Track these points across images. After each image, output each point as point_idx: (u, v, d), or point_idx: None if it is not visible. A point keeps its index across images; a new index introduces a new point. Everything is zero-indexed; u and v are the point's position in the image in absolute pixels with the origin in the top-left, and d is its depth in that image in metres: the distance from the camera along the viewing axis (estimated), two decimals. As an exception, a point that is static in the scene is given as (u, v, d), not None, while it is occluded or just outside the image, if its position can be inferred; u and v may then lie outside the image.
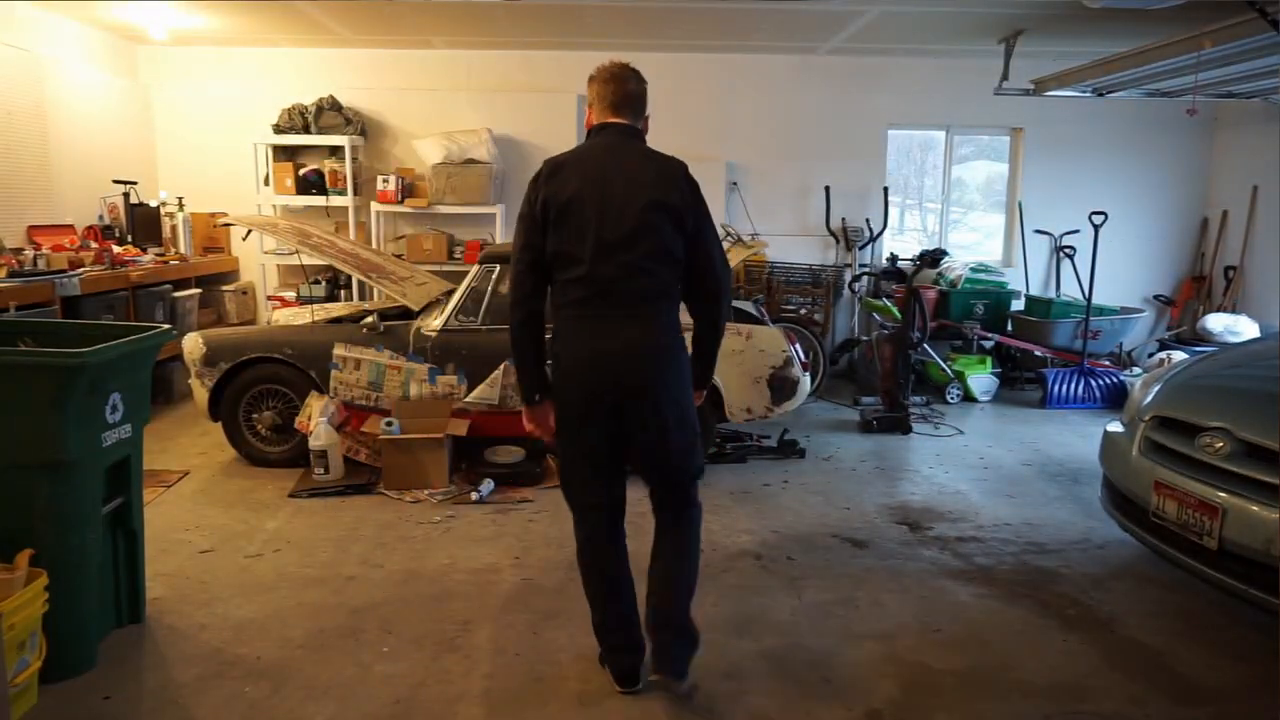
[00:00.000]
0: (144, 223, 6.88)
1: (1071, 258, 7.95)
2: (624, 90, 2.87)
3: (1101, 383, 6.88)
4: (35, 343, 3.18)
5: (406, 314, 5.24)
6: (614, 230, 2.64)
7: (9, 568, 2.66)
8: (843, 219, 7.85)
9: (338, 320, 5.28)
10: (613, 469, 2.77)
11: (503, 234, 7.54)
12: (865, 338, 7.60)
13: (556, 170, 2.73)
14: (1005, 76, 6.88)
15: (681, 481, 2.79)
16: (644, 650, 2.81)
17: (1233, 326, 7.13)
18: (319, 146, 7.43)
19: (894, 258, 7.61)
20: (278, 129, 7.36)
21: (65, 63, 6.48)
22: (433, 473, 4.69)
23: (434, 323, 5.00)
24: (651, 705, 2.76)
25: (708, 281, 2.76)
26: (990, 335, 7.25)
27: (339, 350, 4.92)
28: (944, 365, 7.06)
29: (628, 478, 2.82)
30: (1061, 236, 8.05)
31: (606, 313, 2.66)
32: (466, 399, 4.89)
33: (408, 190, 7.44)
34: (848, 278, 7.82)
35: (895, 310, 6.65)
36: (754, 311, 6.09)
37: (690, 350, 2.83)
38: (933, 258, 7.42)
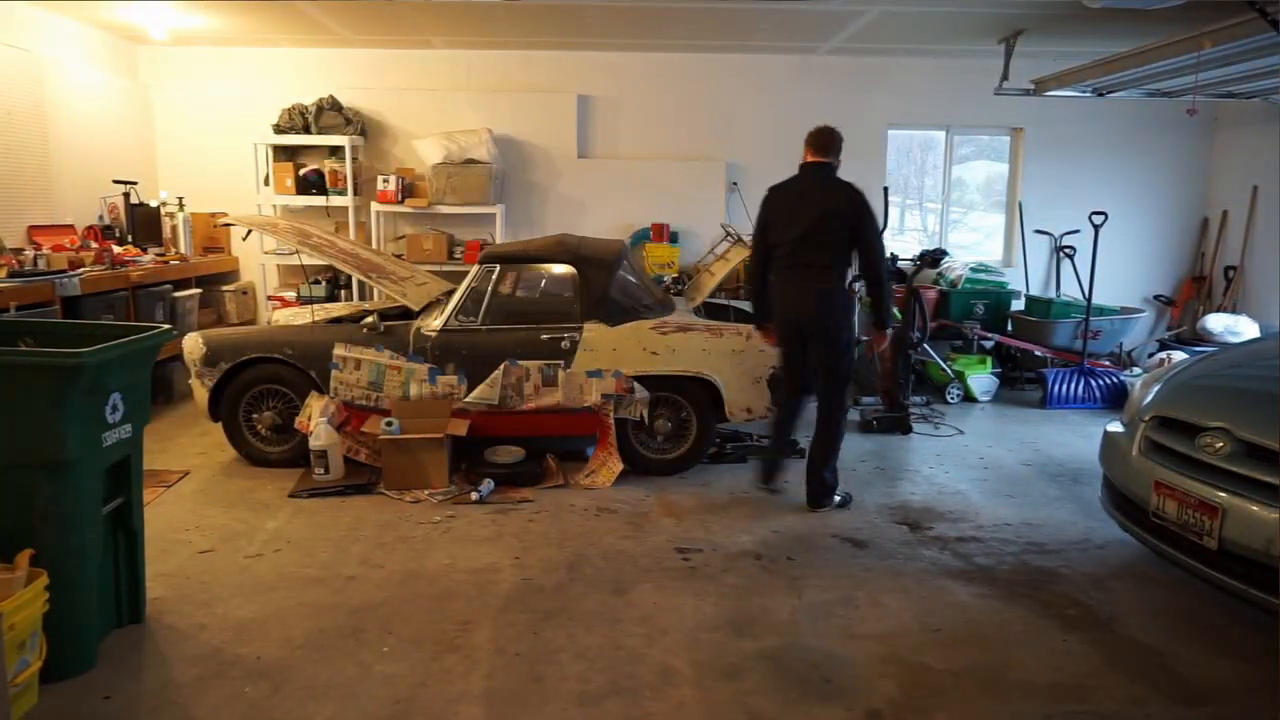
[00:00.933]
0: (144, 223, 6.88)
1: (1071, 258, 7.95)
2: (818, 140, 4.61)
3: (1101, 383, 6.88)
4: (35, 343, 3.18)
5: (406, 314, 5.24)
6: (799, 228, 4.38)
7: (9, 568, 2.66)
8: (843, 219, 7.84)
9: (338, 320, 5.28)
10: (799, 364, 4.57)
11: (503, 234, 7.55)
12: (865, 338, 7.60)
13: (774, 192, 4.62)
14: (1005, 76, 6.88)
15: (829, 380, 4.49)
16: (778, 470, 4.80)
17: (1233, 326, 7.13)
18: (319, 146, 7.43)
19: (894, 258, 7.59)
20: (278, 129, 7.36)
21: (65, 63, 6.48)
22: (433, 473, 4.69)
23: (434, 323, 5.00)
24: (652, 705, 2.77)
25: (866, 259, 4.45)
26: (990, 335, 7.25)
27: (339, 350, 4.92)
28: (944, 365, 7.06)
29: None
30: (1061, 236, 8.05)
31: (795, 277, 4.44)
32: (466, 399, 4.89)
33: (408, 190, 7.44)
34: (848, 276, 7.81)
35: (895, 310, 6.64)
36: (754, 311, 6.09)
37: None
38: (933, 258, 7.42)
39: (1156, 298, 8.24)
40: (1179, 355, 6.60)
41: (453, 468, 4.85)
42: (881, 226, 7.78)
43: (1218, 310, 7.67)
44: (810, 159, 4.58)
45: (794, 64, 7.75)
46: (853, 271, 7.90)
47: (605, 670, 2.96)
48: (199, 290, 6.95)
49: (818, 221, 4.34)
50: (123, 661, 2.99)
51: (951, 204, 8.42)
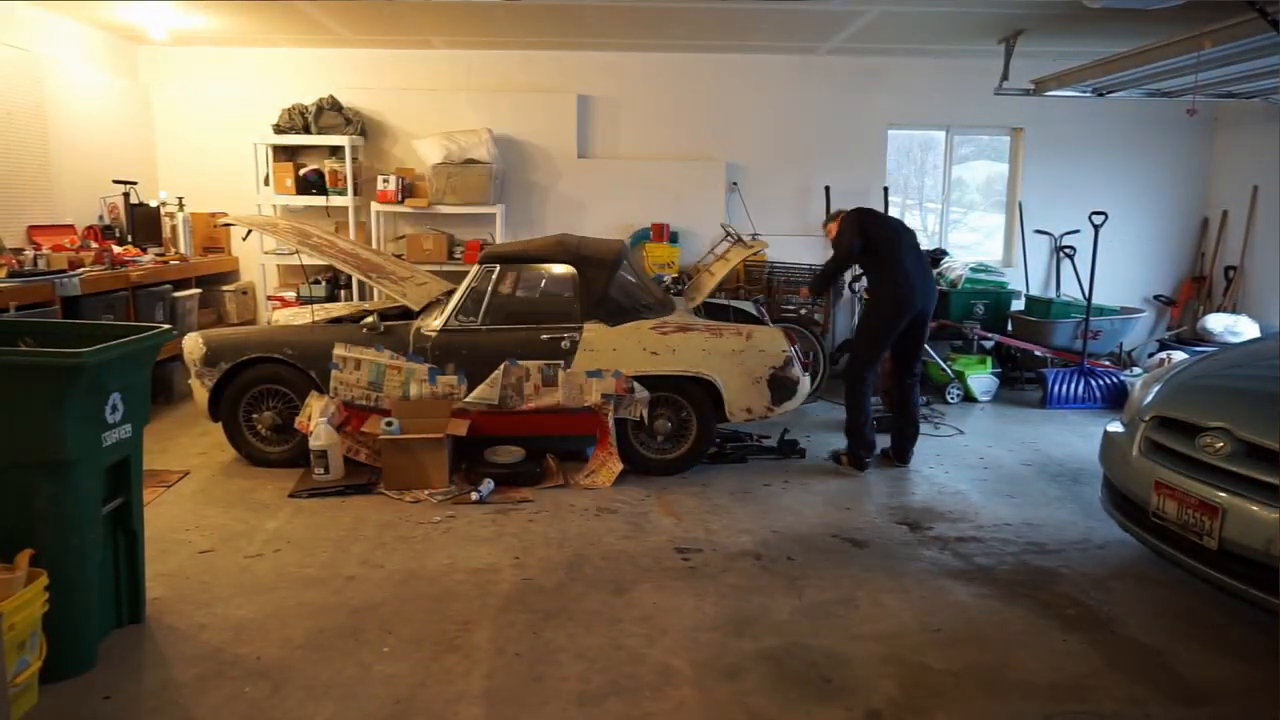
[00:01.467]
0: (144, 223, 6.88)
1: (1071, 258, 7.96)
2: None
3: (1101, 383, 6.88)
4: (35, 343, 3.18)
5: (406, 314, 5.24)
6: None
7: (9, 568, 2.66)
8: (843, 219, 7.84)
9: (338, 320, 5.28)
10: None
11: (503, 234, 7.55)
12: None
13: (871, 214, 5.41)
14: (1005, 76, 6.88)
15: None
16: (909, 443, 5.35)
17: (1233, 326, 7.13)
18: (319, 146, 7.43)
19: (894, 258, 7.60)
20: (278, 129, 7.36)
21: (65, 63, 6.48)
22: (433, 473, 4.69)
23: (434, 323, 5.00)
24: (652, 705, 2.77)
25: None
26: (990, 335, 7.25)
27: (339, 350, 4.92)
28: (944, 365, 7.06)
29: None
30: (1061, 236, 8.05)
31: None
32: (466, 399, 4.89)
33: (408, 190, 7.44)
34: (848, 278, 7.82)
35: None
36: (754, 311, 6.10)
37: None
38: (933, 258, 7.42)
39: (1156, 298, 8.24)
40: (1179, 355, 6.60)
41: (453, 468, 4.85)
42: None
43: (1218, 310, 7.67)
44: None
45: (794, 64, 7.75)
46: (852, 272, 7.95)
47: (605, 670, 2.96)
48: (199, 290, 6.95)
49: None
50: (123, 661, 2.99)
51: (951, 204, 8.42)
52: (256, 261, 7.57)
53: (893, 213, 7.98)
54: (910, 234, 5.29)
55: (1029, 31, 6.53)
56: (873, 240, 5.13)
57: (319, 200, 7.38)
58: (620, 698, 2.80)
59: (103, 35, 7.02)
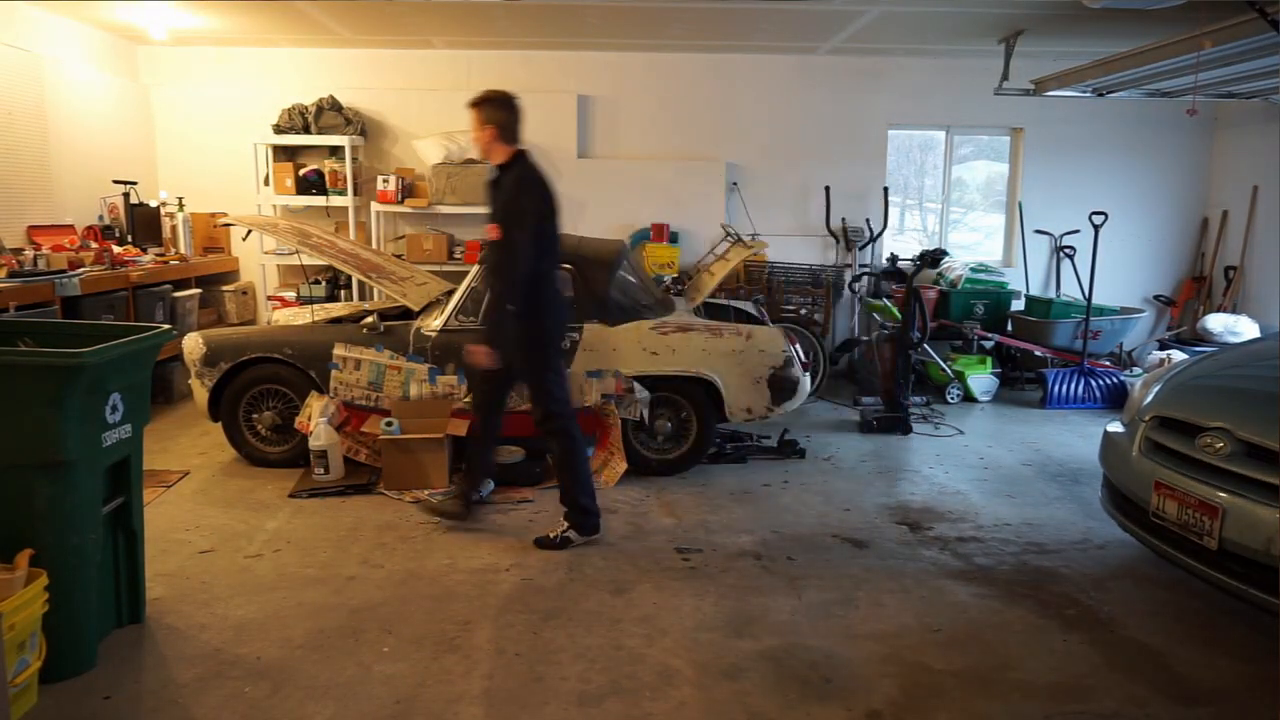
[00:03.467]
0: (144, 223, 6.88)
1: (1071, 258, 7.96)
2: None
3: (1101, 383, 6.88)
4: (35, 343, 3.18)
5: (406, 314, 5.24)
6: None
7: (9, 568, 2.66)
8: (843, 219, 7.85)
9: (338, 320, 5.28)
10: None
11: (503, 234, 7.53)
12: (865, 338, 7.60)
13: (544, 183, 3.85)
14: (1005, 76, 6.88)
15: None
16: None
17: (1233, 326, 7.13)
18: (319, 146, 7.43)
19: (894, 258, 7.61)
20: (278, 129, 7.36)
21: (65, 63, 6.48)
22: (433, 473, 4.69)
23: (434, 323, 5.00)
24: (652, 706, 2.77)
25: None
26: (990, 335, 7.25)
27: (339, 350, 4.92)
28: (944, 365, 7.06)
29: None
30: (1061, 236, 8.05)
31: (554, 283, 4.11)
32: (467, 399, 4.89)
33: (408, 190, 7.44)
34: (848, 278, 7.82)
35: (895, 310, 6.65)
36: (754, 311, 6.10)
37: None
38: (933, 258, 7.40)
39: (1156, 298, 8.24)
40: (1179, 355, 6.60)
41: (453, 468, 4.85)
42: (881, 228, 7.90)
43: (1218, 310, 7.68)
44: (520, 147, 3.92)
45: (794, 64, 7.75)
46: (852, 272, 7.92)
47: (605, 670, 2.96)
48: (199, 290, 6.95)
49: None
50: (123, 661, 2.99)
51: (951, 204, 8.42)
52: (256, 261, 7.57)
53: (893, 213, 8.00)
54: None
55: (1029, 31, 6.53)
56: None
57: (319, 200, 7.38)
58: (620, 698, 2.80)
59: (103, 35, 7.02)
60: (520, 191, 3.75)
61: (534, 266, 3.76)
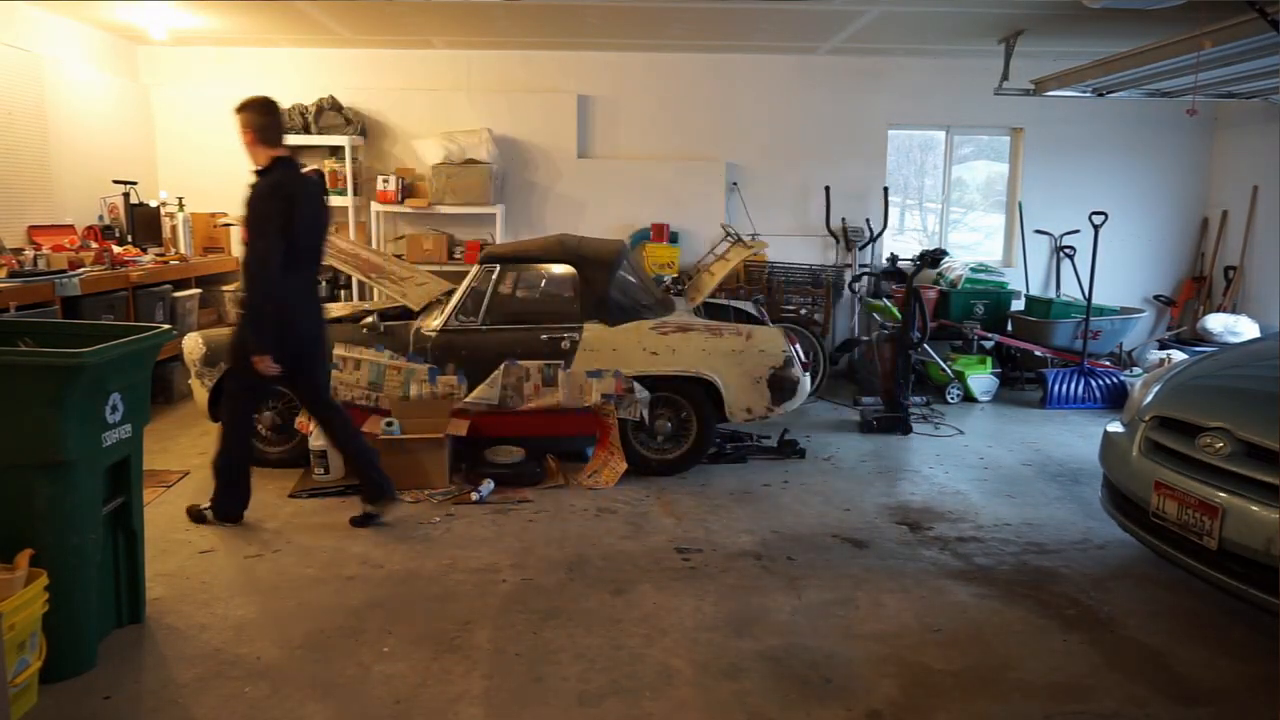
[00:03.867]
0: (144, 223, 6.88)
1: (1071, 258, 7.96)
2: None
3: (1101, 383, 6.88)
4: (35, 343, 3.18)
5: (406, 314, 5.24)
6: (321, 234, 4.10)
7: (9, 568, 2.66)
8: (843, 219, 7.85)
9: (338, 320, 5.27)
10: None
11: (503, 234, 7.55)
12: (865, 338, 7.60)
13: (290, 186, 3.86)
14: (1005, 76, 6.88)
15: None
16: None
17: (1233, 326, 7.14)
18: (319, 146, 7.43)
19: (894, 258, 7.62)
20: (278, 129, 7.35)
21: (65, 63, 6.48)
22: (433, 473, 4.69)
23: (434, 323, 5.00)
24: (652, 705, 2.77)
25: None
26: (990, 335, 7.25)
27: (339, 350, 4.91)
28: (944, 365, 7.06)
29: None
30: (1061, 236, 8.05)
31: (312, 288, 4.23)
32: (466, 399, 4.89)
33: (408, 190, 7.44)
34: (848, 278, 7.82)
35: (895, 310, 6.64)
36: (754, 311, 6.10)
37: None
38: (933, 258, 7.40)
39: (1156, 298, 8.24)
40: (1179, 355, 6.60)
41: (453, 468, 4.85)
42: (881, 228, 7.90)
43: (1218, 310, 7.68)
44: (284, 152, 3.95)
45: (794, 64, 7.75)
46: (852, 272, 7.92)
47: (605, 670, 2.96)
48: (199, 290, 6.94)
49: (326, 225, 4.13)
50: (123, 661, 2.99)
51: (951, 204, 8.42)
52: (256, 261, 7.56)
53: (893, 213, 8.01)
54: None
55: (1029, 31, 6.53)
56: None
57: (319, 200, 7.37)
58: (620, 698, 2.80)
59: (103, 35, 7.02)
60: (263, 198, 3.76)
61: (281, 272, 3.76)
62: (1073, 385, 6.87)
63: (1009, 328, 7.44)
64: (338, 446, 4.32)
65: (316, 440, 4.72)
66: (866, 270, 7.66)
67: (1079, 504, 4.66)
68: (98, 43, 6.97)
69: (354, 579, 3.65)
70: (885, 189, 7.87)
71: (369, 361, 4.91)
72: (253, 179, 3.85)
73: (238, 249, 7.63)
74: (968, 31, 6.64)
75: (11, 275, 5.12)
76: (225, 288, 7.42)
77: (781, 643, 3.17)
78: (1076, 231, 7.82)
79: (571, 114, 7.67)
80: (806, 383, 5.16)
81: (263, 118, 3.84)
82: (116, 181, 6.80)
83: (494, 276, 5.01)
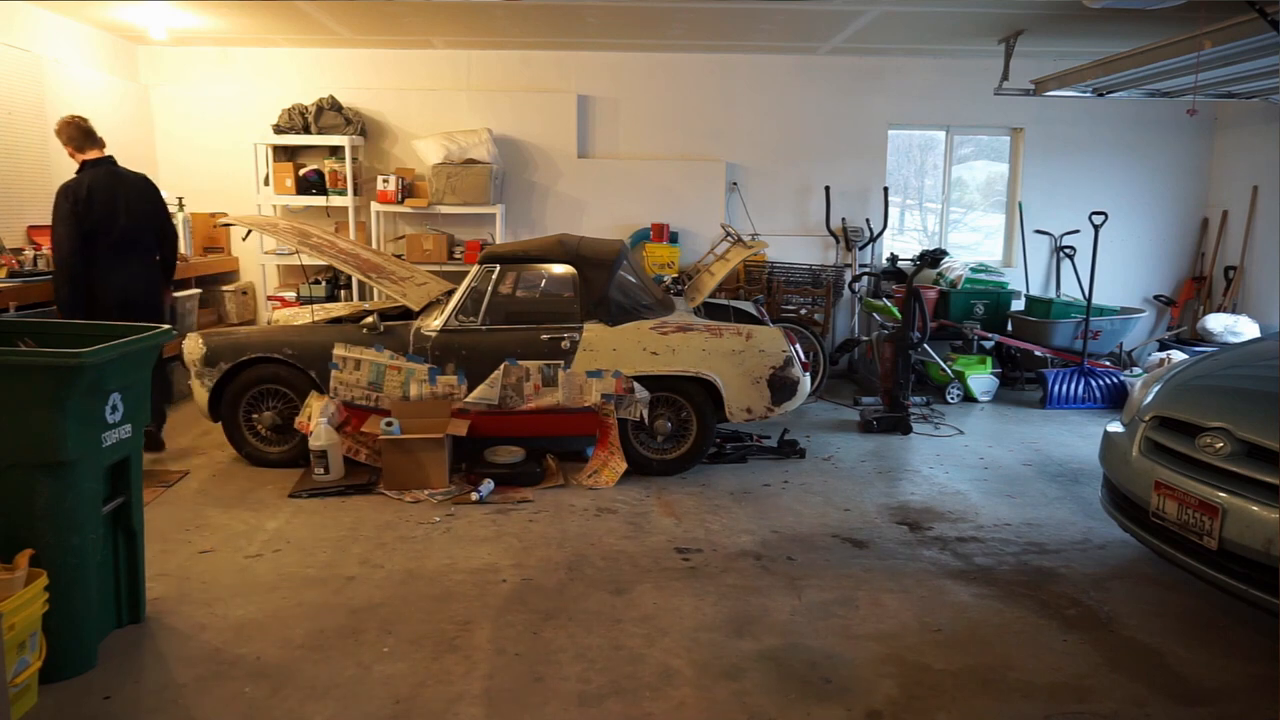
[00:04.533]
0: (144, 223, 6.87)
1: (1071, 258, 7.96)
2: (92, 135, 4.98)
3: (1101, 383, 6.88)
4: (35, 343, 3.18)
5: (406, 314, 5.24)
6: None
7: (9, 568, 2.66)
8: (843, 219, 7.85)
9: (338, 320, 5.28)
10: None
11: (503, 234, 7.55)
12: (865, 338, 7.61)
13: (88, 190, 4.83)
14: (1005, 76, 6.88)
15: None
16: None
17: (1233, 326, 7.14)
18: (319, 146, 7.43)
19: (894, 258, 7.62)
20: (278, 129, 7.36)
21: (65, 63, 6.48)
22: (433, 473, 4.69)
23: (434, 323, 5.00)
24: (652, 705, 2.77)
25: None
26: (990, 335, 7.25)
27: (339, 350, 4.92)
28: (944, 365, 7.06)
29: None
30: (1061, 237, 8.05)
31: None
32: (466, 399, 4.89)
33: (408, 190, 7.44)
34: (848, 278, 7.83)
35: (895, 310, 6.65)
36: (754, 311, 6.10)
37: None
38: (933, 258, 7.43)
39: (1156, 298, 8.24)
40: (1179, 355, 6.60)
41: (453, 468, 4.85)
42: (881, 228, 7.90)
43: (1218, 310, 7.68)
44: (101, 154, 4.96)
45: (794, 64, 7.75)
46: (852, 272, 7.92)
47: (605, 670, 2.96)
48: (199, 290, 6.94)
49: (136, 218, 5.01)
50: (123, 661, 2.99)
51: (951, 204, 8.42)
52: (256, 261, 7.57)
53: (893, 213, 8.01)
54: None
55: (1029, 31, 6.53)
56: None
57: (319, 200, 7.38)
58: (620, 698, 2.80)
59: (103, 35, 7.02)
60: (61, 194, 4.75)
61: (79, 254, 4.72)
62: (1073, 385, 6.87)
63: (1009, 328, 7.44)
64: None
65: (316, 440, 4.72)
66: (866, 270, 7.67)
67: (1079, 504, 4.66)
68: (98, 43, 6.97)
69: (354, 579, 3.65)
70: (885, 189, 7.87)
71: (369, 361, 4.91)
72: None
73: (238, 249, 7.65)
74: (968, 31, 6.64)
75: (11, 275, 5.12)
76: (226, 288, 7.44)
77: (781, 643, 3.17)
78: (1076, 231, 7.82)
79: (571, 114, 7.67)
80: (806, 383, 5.16)
81: (70, 131, 4.86)
82: (116, 181, 6.79)
83: (494, 276, 5.01)
